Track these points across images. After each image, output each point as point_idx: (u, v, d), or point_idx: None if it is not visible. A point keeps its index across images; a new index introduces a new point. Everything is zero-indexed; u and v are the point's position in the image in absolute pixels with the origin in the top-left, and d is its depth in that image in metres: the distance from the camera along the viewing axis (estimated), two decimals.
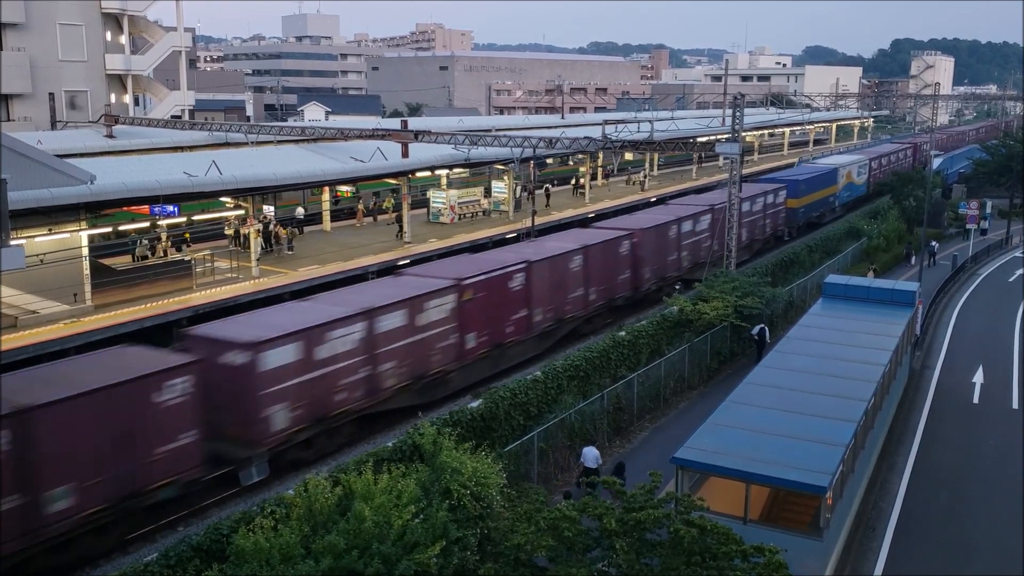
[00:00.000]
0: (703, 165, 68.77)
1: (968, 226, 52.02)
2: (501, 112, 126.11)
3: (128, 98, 56.68)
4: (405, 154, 37.80)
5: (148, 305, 26.90)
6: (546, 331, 29.10)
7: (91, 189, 24.65)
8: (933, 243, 49.87)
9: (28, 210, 23.99)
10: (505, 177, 45.23)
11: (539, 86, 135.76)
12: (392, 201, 45.50)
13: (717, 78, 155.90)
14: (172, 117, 54.26)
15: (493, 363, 26.95)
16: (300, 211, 42.94)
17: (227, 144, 40.49)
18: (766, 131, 78.17)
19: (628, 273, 33.10)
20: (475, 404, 21.12)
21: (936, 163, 57.53)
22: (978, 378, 28.76)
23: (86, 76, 52.70)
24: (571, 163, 59.51)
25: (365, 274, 31.84)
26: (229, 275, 30.73)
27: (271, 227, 35.68)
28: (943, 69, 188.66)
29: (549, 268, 28.66)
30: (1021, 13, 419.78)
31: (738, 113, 34.32)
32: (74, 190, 24.16)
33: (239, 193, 31.56)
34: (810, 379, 20.05)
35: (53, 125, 46.76)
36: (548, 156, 49.08)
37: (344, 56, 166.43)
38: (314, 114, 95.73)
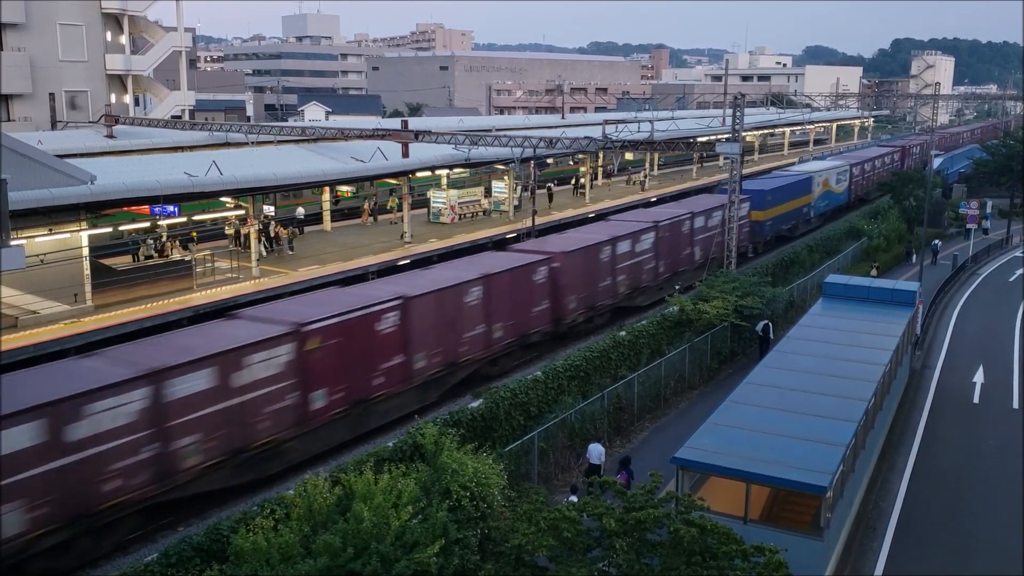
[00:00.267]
0: (704, 165, 68.82)
1: (968, 226, 52.02)
2: (501, 112, 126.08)
3: (128, 98, 56.70)
4: (405, 154, 37.81)
5: (148, 305, 26.91)
6: (433, 379, 24.28)
7: (91, 189, 24.66)
8: (936, 241, 50.12)
9: (28, 210, 23.99)
10: (505, 177, 45.23)
11: (539, 86, 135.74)
12: (396, 201, 45.50)
13: (717, 78, 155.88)
14: (172, 117, 54.28)
15: (354, 424, 22.05)
16: (300, 211, 42.95)
17: (227, 144, 40.49)
18: (766, 131, 78.11)
19: (546, 304, 28.59)
20: (475, 404, 21.14)
21: (936, 163, 57.50)
22: (978, 378, 28.75)
23: (86, 76, 52.71)
24: (571, 163, 59.55)
25: (365, 274, 31.85)
26: (229, 275, 30.74)
27: (271, 228, 35.68)
28: (943, 69, 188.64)
29: (435, 303, 24.00)
30: (1021, 13, 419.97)
31: (738, 113, 34.33)
32: (74, 190, 24.16)
33: (239, 193, 31.56)
34: (810, 379, 20.05)
35: (53, 125, 46.77)
36: (548, 156, 49.07)
37: (344, 56, 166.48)
38: (314, 114, 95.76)
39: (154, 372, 17.27)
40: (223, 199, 32.54)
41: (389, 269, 32.52)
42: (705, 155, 59.45)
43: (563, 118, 71.25)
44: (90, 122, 48.14)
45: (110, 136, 41.33)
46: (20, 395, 15.73)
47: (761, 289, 31.09)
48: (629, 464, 19.66)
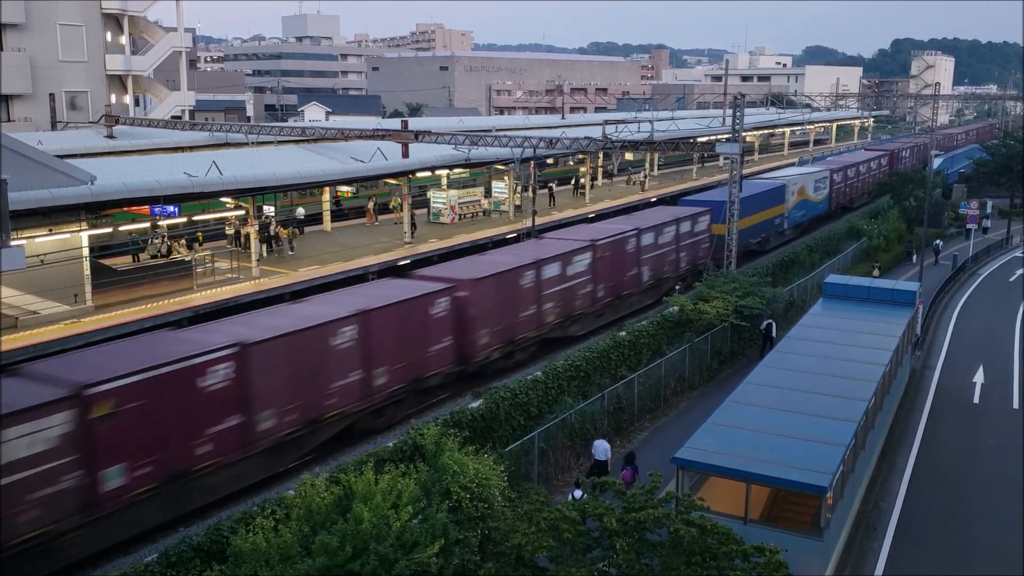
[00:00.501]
0: (705, 165, 68.87)
1: (968, 226, 52.06)
2: (501, 112, 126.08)
3: (128, 98, 56.71)
4: (405, 154, 37.82)
5: (148, 305, 26.91)
6: (288, 440, 20.14)
7: (91, 189, 24.68)
8: (938, 241, 50.26)
9: (28, 210, 24.00)
10: (505, 177, 45.25)
11: (539, 86, 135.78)
12: (398, 200, 45.50)
13: (717, 78, 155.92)
14: (172, 117, 54.30)
15: (169, 504, 17.97)
16: (300, 211, 42.97)
17: (227, 144, 40.49)
18: (766, 131, 78.12)
19: (448, 341, 24.65)
20: (476, 404, 21.15)
21: (936, 163, 57.48)
22: (978, 378, 28.75)
23: (86, 76, 52.72)
24: (571, 163, 59.56)
25: (365, 274, 31.85)
26: (229, 275, 30.74)
27: (271, 228, 35.69)
28: (943, 69, 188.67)
29: (287, 349, 19.86)
30: (1021, 13, 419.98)
31: (738, 113, 34.34)
32: (74, 190, 24.17)
33: (239, 193, 31.57)
34: (810, 379, 20.06)
35: (53, 125, 46.76)
36: (548, 156, 49.08)
37: (344, 56, 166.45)
38: (314, 114, 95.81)
39: None
40: (223, 199, 32.56)
41: (390, 269, 32.54)
42: (705, 155, 59.43)
43: (563, 118, 71.24)
44: (90, 122, 48.13)
45: (110, 136, 41.34)
46: None
47: (761, 289, 31.12)
48: (634, 460, 19.84)
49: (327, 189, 40.41)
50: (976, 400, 26.97)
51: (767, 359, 22.44)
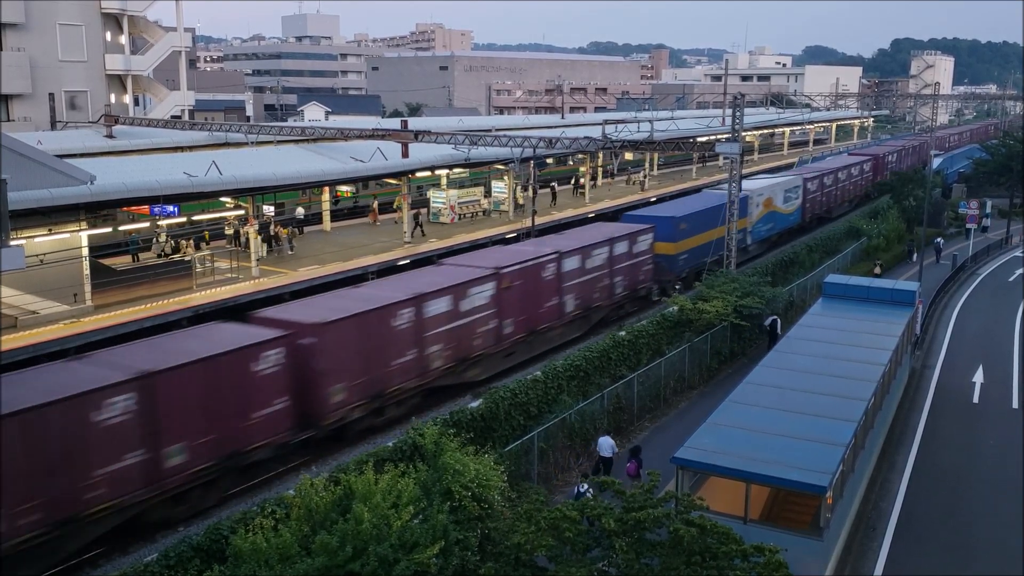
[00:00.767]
0: (706, 164, 68.88)
1: (968, 226, 52.09)
2: (501, 112, 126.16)
3: (128, 98, 56.72)
4: (405, 154, 37.82)
5: (148, 305, 26.91)
6: (42, 541, 15.82)
7: (91, 189, 24.67)
8: (939, 240, 50.32)
9: (28, 210, 24.01)
10: (505, 177, 45.26)
11: (539, 86, 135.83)
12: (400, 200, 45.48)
13: (717, 78, 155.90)
14: (172, 117, 54.31)
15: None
16: (300, 211, 42.97)
17: (227, 144, 40.50)
18: (766, 131, 78.10)
19: (284, 402, 19.82)
20: (475, 404, 21.16)
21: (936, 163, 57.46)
22: (978, 377, 28.75)
23: (86, 76, 52.72)
24: (571, 163, 59.57)
25: (365, 274, 31.85)
26: (229, 275, 30.75)
27: (271, 228, 35.70)
28: (943, 69, 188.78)
29: (60, 424, 15.96)
30: (1021, 13, 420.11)
31: (738, 113, 34.35)
32: (74, 190, 24.17)
33: (239, 193, 31.58)
34: (810, 379, 20.06)
35: (53, 125, 46.79)
36: (548, 156, 49.08)
37: (344, 56, 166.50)
38: (314, 114, 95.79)
39: None
40: (223, 199, 32.56)
41: (389, 269, 32.53)
42: (706, 155, 59.42)
43: (563, 118, 71.30)
44: (90, 122, 48.16)
45: (110, 136, 41.34)
46: None
47: (761, 289, 31.13)
48: (639, 453, 20.03)
49: (326, 189, 40.40)
50: (976, 400, 26.97)
51: (767, 359, 22.44)
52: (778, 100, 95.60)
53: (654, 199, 50.24)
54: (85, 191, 24.72)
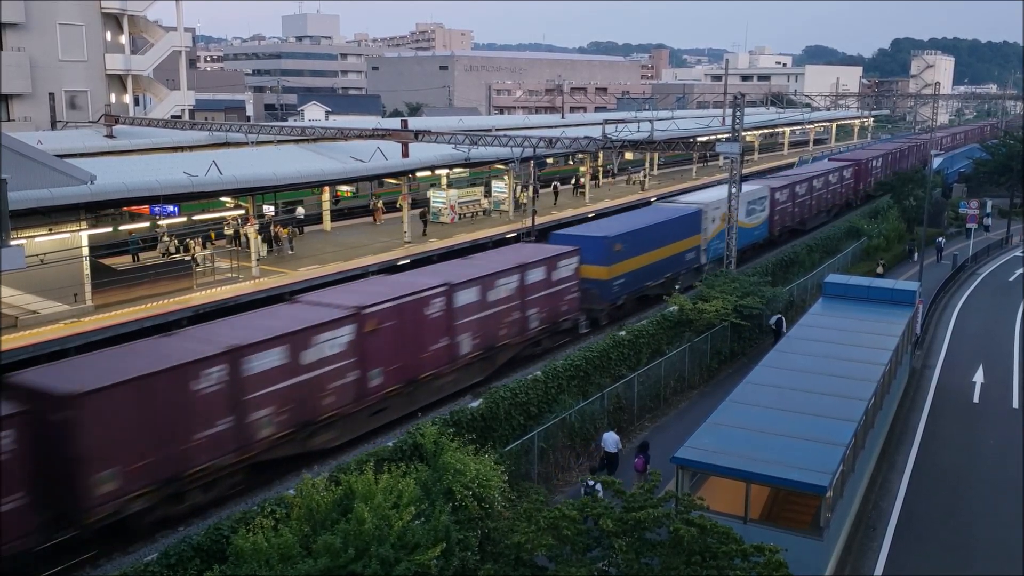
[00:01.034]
0: (707, 164, 68.85)
1: (969, 225, 52.10)
2: (501, 112, 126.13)
3: (128, 98, 56.70)
4: (405, 154, 37.82)
5: (148, 305, 26.91)
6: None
7: (91, 189, 24.67)
8: (941, 239, 50.36)
9: (28, 210, 24.01)
10: (505, 177, 45.26)
11: (539, 86, 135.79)
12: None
13: (717, 78, 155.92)
14: (172, 117, 54.30)
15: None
16: (300, 211, 42.98)
17: (227, 144, 40.52)
18: (766, 131, 78.10)
19: (19, 499, 15.16)
20: (475, 404, 21.16)
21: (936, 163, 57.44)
22: (978, 377, 28.75)
23: (86, 76, 52.71)
24: (571, 163, 59.57)
25: (365, 274, 31.84)
26: (229, 275, 30.75)
27: (271, 228, 35.69)
28: (943, 68, 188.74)
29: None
30: (1021, 13, 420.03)
31: (738, 113, 34.34)
32: (74, 190, 24.17)
33: (239, 193, 31.58)
34: (810, 378, 20.05)
35: (53, 125, 46.79)
36: (548, 156, 49.05)
37: (344, 56, 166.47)
38: (314, 114, 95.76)
39: None
40: (223, 199, 32.56)
41: (389, 269, 32.53)
42: (707, 155, 59.40)
43: (563, 118, 71.30)
44: (90, 122, 48.15)
45: (110, 136, 41.35)
46: None
47: (761, 289, 31.14)
48: (647, 449, 20.05)
49: (326, 189, 40.40)
50: (976, 399, 26.97)
51: (767, 359, 22.44)
52: (778, 100, 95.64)
53: (653, 198, 49.30)
54: (85, 191, 24.72)
